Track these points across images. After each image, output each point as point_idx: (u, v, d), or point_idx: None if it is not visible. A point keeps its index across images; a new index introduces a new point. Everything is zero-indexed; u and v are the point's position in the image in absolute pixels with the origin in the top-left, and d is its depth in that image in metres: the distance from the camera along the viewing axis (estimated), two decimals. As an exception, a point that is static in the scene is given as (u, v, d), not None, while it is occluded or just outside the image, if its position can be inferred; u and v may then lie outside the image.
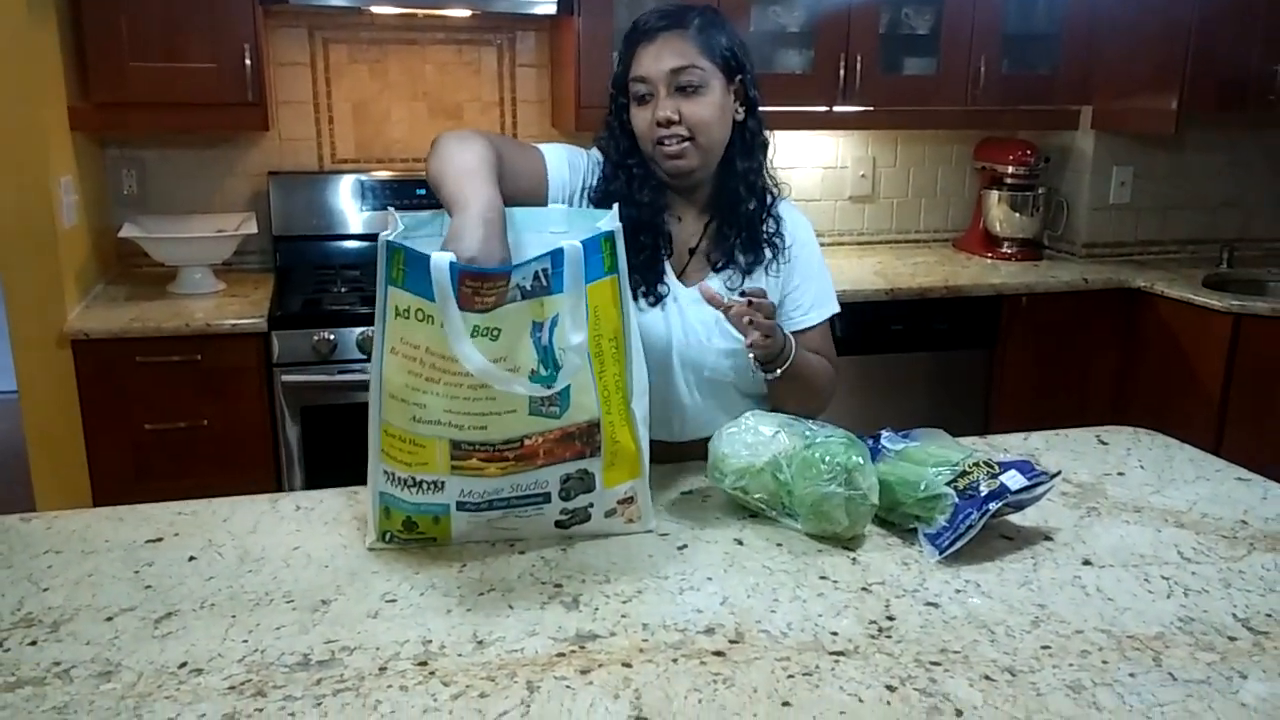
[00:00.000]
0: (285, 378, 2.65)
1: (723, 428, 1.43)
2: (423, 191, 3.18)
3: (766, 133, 1.63)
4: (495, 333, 1.19)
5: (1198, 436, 1.78)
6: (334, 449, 2.70)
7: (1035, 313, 3.20)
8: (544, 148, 1.59)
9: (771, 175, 1.64)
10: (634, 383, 1.33)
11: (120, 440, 2.58)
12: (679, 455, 1.58)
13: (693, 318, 1.59)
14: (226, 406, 2.63)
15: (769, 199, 1.63)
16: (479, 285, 1.17)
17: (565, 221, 1.40)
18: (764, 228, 1.62)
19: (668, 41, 1.52)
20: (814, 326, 1.66)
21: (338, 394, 2.70)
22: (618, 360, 1.30)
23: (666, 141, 1.52)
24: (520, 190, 1.45)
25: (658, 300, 1.58)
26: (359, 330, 2.68)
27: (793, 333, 1.58)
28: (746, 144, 1.60)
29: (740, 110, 1.58)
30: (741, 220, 1.60)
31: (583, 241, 1.23)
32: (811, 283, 1.66)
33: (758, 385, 1.64)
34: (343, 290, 2.92)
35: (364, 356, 2.68)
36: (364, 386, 2.71)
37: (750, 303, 1.40)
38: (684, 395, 1.63)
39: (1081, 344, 3.28)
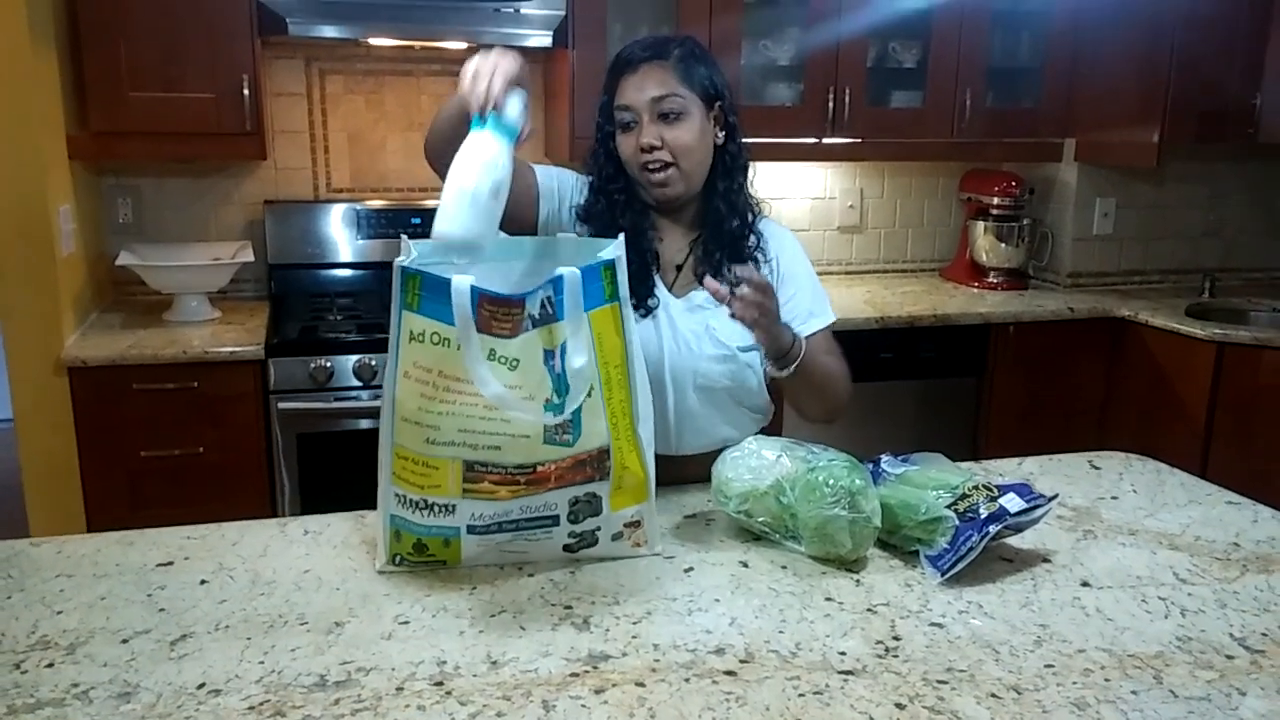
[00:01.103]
0: (281, 405, 2.66)
1: (726, 452, 1.46)
2: (418, 220, 3.22)
3: (746, 155, 1.70)
4: (514, 363, 1.23)
5: (1183, 462, 1.81)
6: (330, 476, 2.71)
7: (1022, 341, 3.25)
8: (536, 167, 1.69)
9: (751, 195, 1.72)
10: (639, 407, 1.36)
11: (116, 467, 2.58)
12: (679, 470, 1.61)
13: (683, 327, 1.66)
14: (223, 434, 2.64)
15: (750, 217, 1.70)
16: (495, 310, 1.21)
17: (573, 250, 1.43)
18: (746, 244, 1.69)
19: (649, 72, 1.60)
20: (815, 334, 1.68)
21: (334, 421, 2.71)
22: (623, 386, 1.33)
23: (651, 166, 1.61)
24: (514, 188, 1.50)
25: (648, 312, 1.65)
26: (355, 358, 2.69)
27: None
28: (727, 166, 1.68)
29: (720, 135, 1.66)
30: (725, 237, 1.67)
31: (581, 269, 1.26)
32: (804, 293, 1.70)
33: (753, 393, 1.70)
34: (338, 318, 2.93)
35: (360, 384, 2.70)
36: (359, 414, 2.73)
37: (740, 283, 1.42)
38: (678, 405, 1.66)
39: (1068, 372, 3.33)
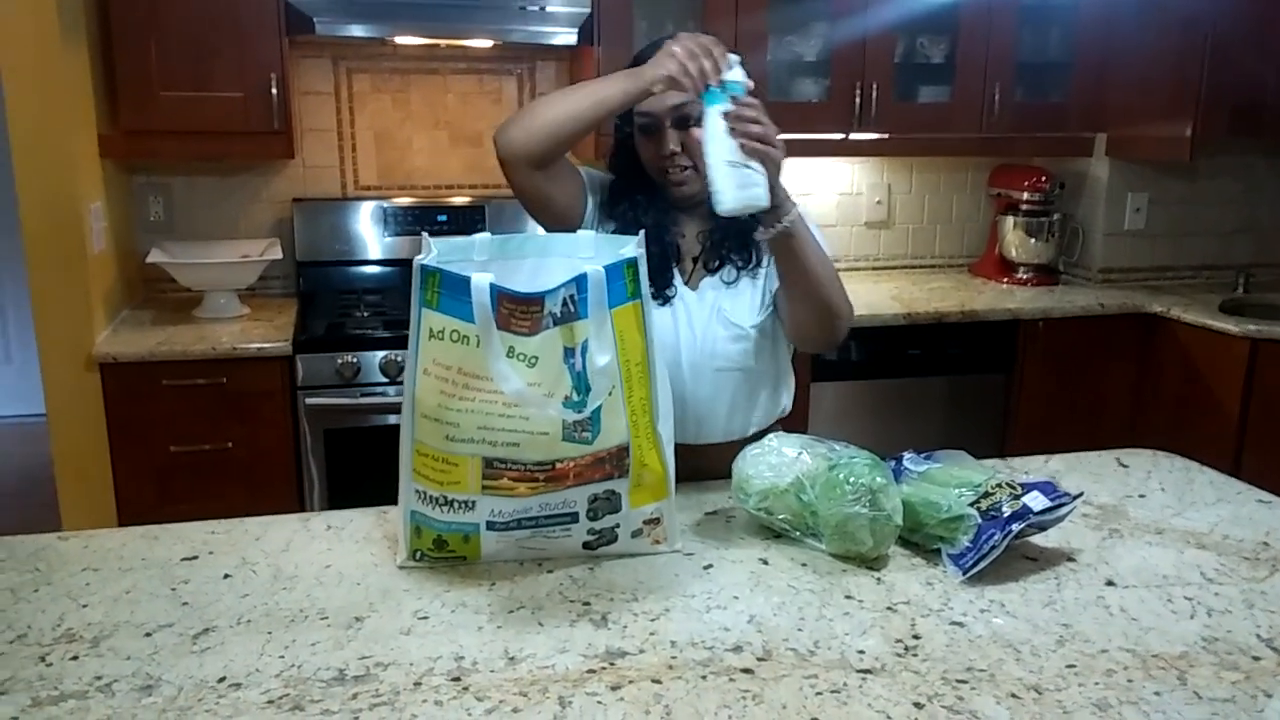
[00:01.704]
0: (309, 401, 2.68)
1: (746, 449, 1.46)
2: (444, 217, 3.23)
3: None
4: (534, 360, 1.23)
5: (1215, 460, 1.78)
6: (356, 471, 2.73)
7: (1052, 337, 3.21)
8: (577, 166, 1.73)
9: None
10: (659, 405, 1.36)
11: (146, 462, 2.61)
12: (698, 460, 1.61)
13: (696, 314, 1.69)
14: (251, 429, 2.66)
15: None
16: (515, 307, 1.21)
17: (593, 248, 1.43)
18: (755, 234, 1.67)
19: None
20: None
21: (361, 417, 2.73)
22: (644, 384, 1.33)
23: (671, 171, 1.64)
24: (565, 187, 1.64)
25: (665, 301, 1.68)
26: (382, 354, 2.71)
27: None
28: None
29: None
30: (737, 230, 1.68)
31: (605, 267, 1.26)
32: None
33: (769, 372, 1.72)
34: (366, 314, 2.96)
35: (386, 380, 2.72)
36: (386, 410, 2.74)
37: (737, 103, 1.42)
38: (696, 393, 1.68)
39: (1098, 368, 3.29)
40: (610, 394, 1.28)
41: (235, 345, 2.63)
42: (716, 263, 1.70)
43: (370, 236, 3.23)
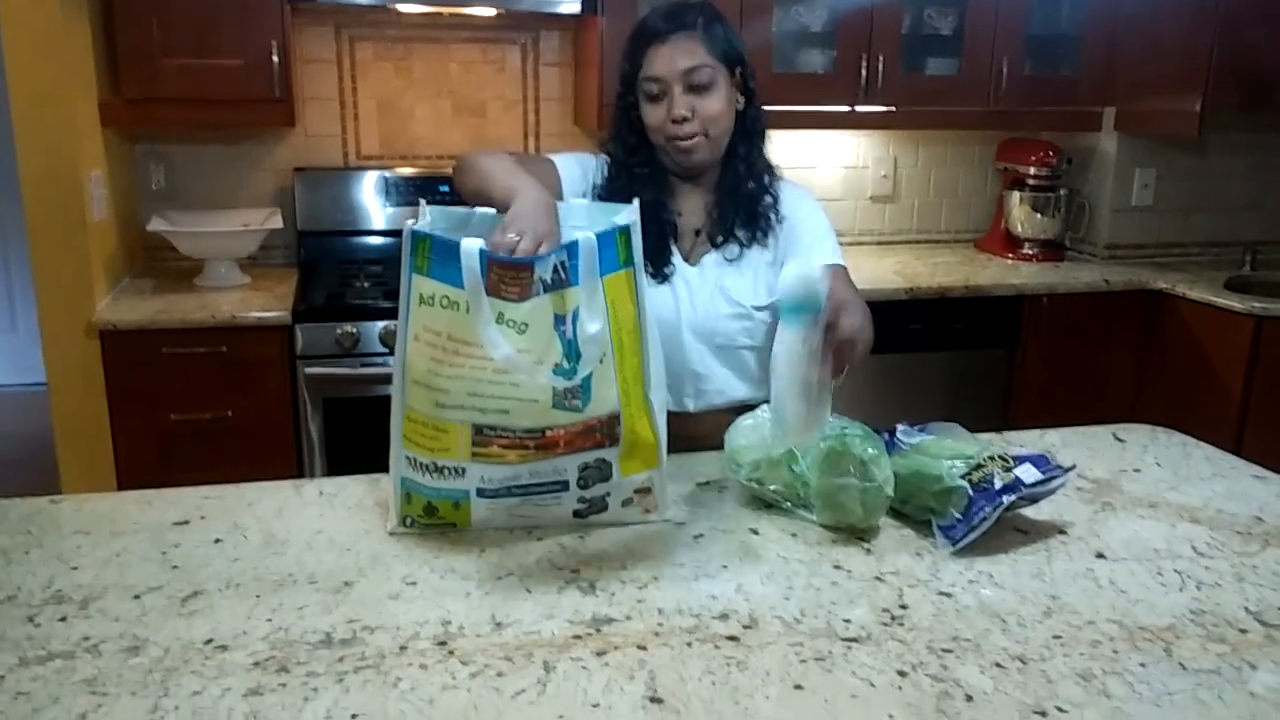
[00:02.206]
0: (309, 370, 2.68)
1: (739, 419, 1.45)
2: (445, 188, 3.22)
3: (765, 119, 1.71)
4: (523, 326, 1.22)
5: (1218, 437, 1.77)
6: (355, 441, 2.73)
7: (1056, 313, 3.20)
8: (554, 158, 1.70)
9: (769, 158, 1.72)
10: (651, 374, 1.35)
11: (146, 430, 2.62)
12: (693, 428, 1.61)
13: (698, 289, 1.67)
14: (250, 398, 2.67)
15: (767, 179, 1.70)
16: (505, 274, 1.20)
17: (585, 216, 1.42)
18: (761, 204, 1.69)
19: (679, 42, 1.59)
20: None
21: (360, 387, 2.73)
22: (636, 353, 1.32)
23: (681, 137, 1.61)
24: None
25: (664, 279, 1.66)
26: (381, 324, 2.71)
27: None
28: (747, 130, 1.68)
29: (740, 100, 1.66)
30: (741, 199, 1.68)
31: (597, 234, 1.25)
32: (805, 235, 1.67)
33: (769, 345, 1.67)
34: (366, 285, 2.95)
35: (386, 350, 2.71)
36: (386, 380, 2.73)
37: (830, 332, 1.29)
38: (697, 365, 1.67)
39: (1102, 345, 3.27)
40: (601, 362, 1.27)
41: (235, 314, 2.63)
42: (721, 237, 1.68)
43: (372, 206, 3.22)
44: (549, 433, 1.27)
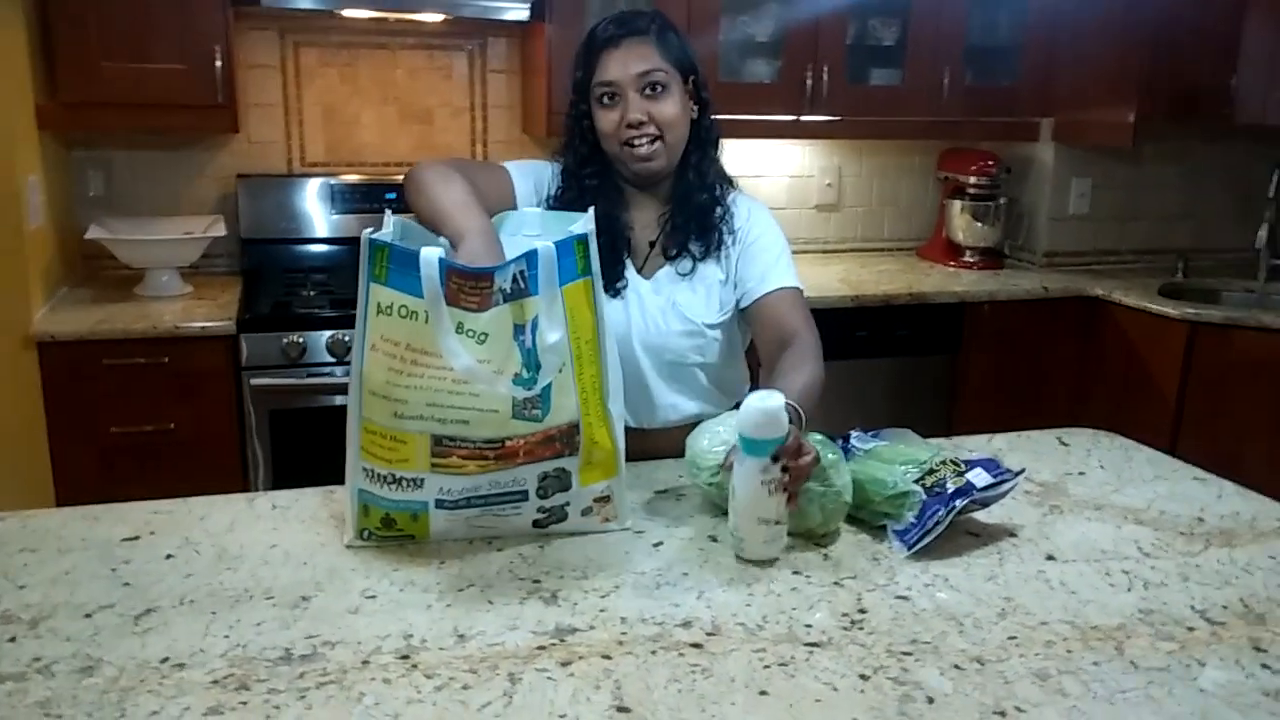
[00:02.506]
0: (254, 381, 2.64)
1: (702, 424, 1.46)
2: (392, 195, 3.19)
3: (718, 129, 1.71)
4: (483, 337, 1.22)
5: (1153, 440, 1.82)
6: (303, 453, 2.70)
7: (997, 320, 3.26)
8: (509, 165, 1.69)
9: (722, 168, 1.72)
10: (609, 383, 1.35)
11: (86, 444, 2.56)
12: (650, 445, 1.61)
13: (651, 305, 1.67)
14: (194, 410, 2.62)
15: (719, 190, 1.70)
16: (464, 283, 1.20)
17: (540, 225, 1.42)
18: (714, 216, 1.69)
19: (632, 47, 1.59)
20: (771, 292, 1.65)
21: (307, 398, 2.69)
22: (594, 362, 1.32)
23: (637, 142, 1.60)
24: (491, 211, 1.49)
25: (616, 293, 1.65)
26: (328, 333, 2.68)
27: (754, 303, 1.65)
28: (700, 140, 1.69)
29: (694, 108, 1.67)
30: (693, 210, 1.67)
31: (556, 243, 1.25)
32: (761, 255, 1.68)
33: (722, 368, 1.71)
34: (312, 293, 2.91)
35: (333, 360, 2.68)
36: (332, 390, 2.71)
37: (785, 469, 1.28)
38: (649, 381, 1.67)
39: (1042, 350, 3.35)
40: (560, 371, 1.27)
41: (178, 324, 2.58)
42: (674, 250, 1.67)
43: (317, 214, 3.18)
44: (508, 443, 1.27)
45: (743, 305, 1.67)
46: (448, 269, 1.21)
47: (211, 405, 2.63)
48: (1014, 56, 3.50)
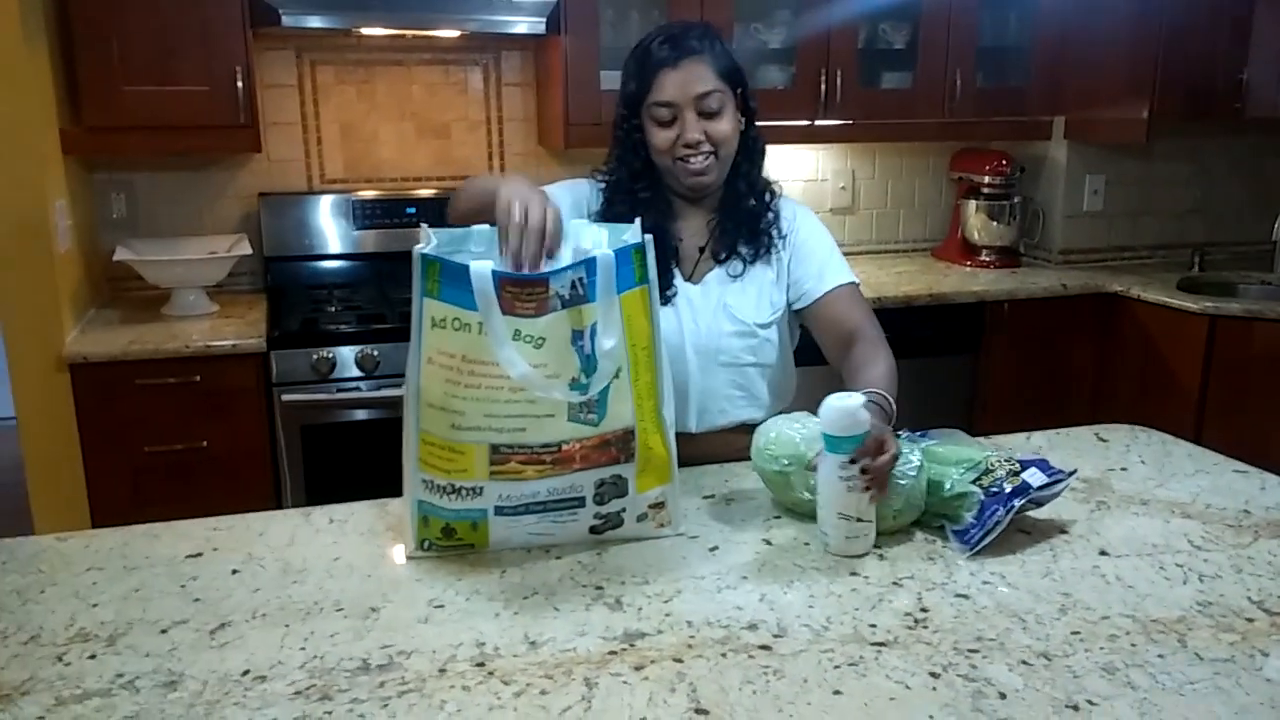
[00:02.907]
0: (285, 397, 2.66)
1: (774, 417, 1.47)
2: (412, 210, 3.21)
3: (763, 139, 1.75)
4: (540, 341, 1.24)
5: (1176, 434, 1.82)
6: (334, 468, 2.71)
7: (1017, 318, 3.28)
8: (545, 190, 1.65)
9: (766, 176, 1.76)
10: (663, 389, 1.37)
11: (119, 463, 2.58)
12: (694, 449, 1.62)
13: (701, 308, 1.69)
14: (226, 427, 2.63)
15: (768, 196, 1.74)
16: (519, 291, 1.22)
17: (594, 235, 1.44)
18: (763, 221, 1.72)
19: (689, 67, 1.61)
20: (830, 291, 1.70)
21: (337, 412, 2.71)
22: (650, 368, 1.34)
23: (692, 160, 1.63)
24: None
25: (666, 301, 1.67)
26: (357, 348, 2.69)
27: (814, 302, 1.69)
28: (748, 150, 1.71)
29: (742, 120, 1.68)
30: (742, 215, 1.71)
31: (614, 251, 1.27)
32: (814, 255, 1.73)
33: (775, 368, 1.74)
34: (338, 309, 2.93)
35: (362, 374, 2.70)
36: (362, 404, 2.73)
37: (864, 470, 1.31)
38: (702, 383, 1.69)
39: (1062, 347, 3.36)
40: (617, 377, 1.29)
41: (208, 343, 2.60)
42: (724, 253, 1.71)
43: (337, 230, 3.20)
44: (565, 447, 1.29)
45: (802, 305, 1.71)
46: (500, 279, 1.23)
47: (243, 422, 2.65)
48: (1024, 56, 3.53)
